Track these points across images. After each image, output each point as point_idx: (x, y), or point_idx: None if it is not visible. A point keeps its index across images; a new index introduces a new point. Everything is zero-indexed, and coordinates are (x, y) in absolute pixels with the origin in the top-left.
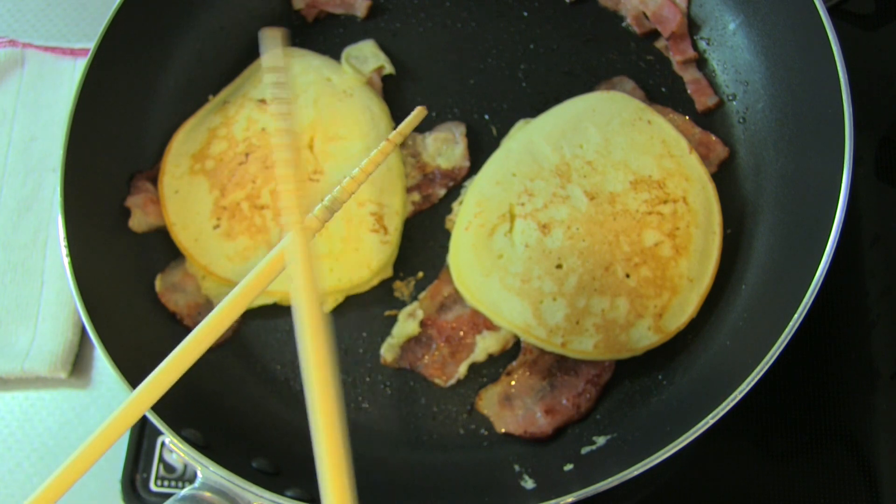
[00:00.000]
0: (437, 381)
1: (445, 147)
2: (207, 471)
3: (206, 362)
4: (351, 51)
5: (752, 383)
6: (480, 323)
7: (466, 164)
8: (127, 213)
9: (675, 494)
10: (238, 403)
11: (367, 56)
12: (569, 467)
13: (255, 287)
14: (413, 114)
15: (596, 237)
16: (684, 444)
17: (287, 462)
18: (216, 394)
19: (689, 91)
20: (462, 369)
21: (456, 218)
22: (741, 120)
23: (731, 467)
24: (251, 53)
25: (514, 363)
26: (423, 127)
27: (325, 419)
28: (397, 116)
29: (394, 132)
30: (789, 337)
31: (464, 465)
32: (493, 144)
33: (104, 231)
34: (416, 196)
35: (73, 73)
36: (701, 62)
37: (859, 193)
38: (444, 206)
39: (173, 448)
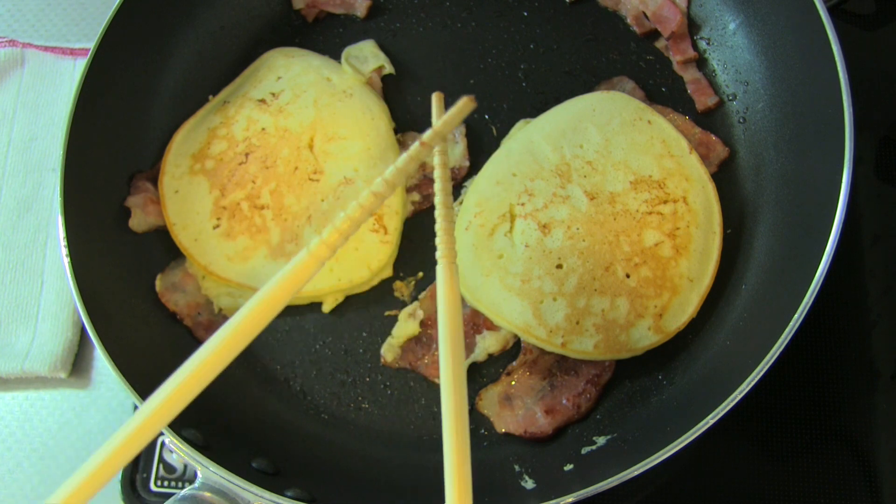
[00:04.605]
0: (437, 381)
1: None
2: (207, 471)
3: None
4: (351, 51)
5: (752, 383)
6: (480, 323)
7: (466, 164)
8: (127, 213)
9: (675, 494)
10: (238, 403)
11: (367, 56)
12: (569, 467)
13: (274, 301)
14: (458, 105)
15: (596, 237)
16: (684, 444)
17: (287, 462)
18: (216, 394)
19: (689, 91)
20: None
21: (456, 218)
22: (741, 120)
23: (731, 467)
24: (251, 53)
25: (514, 363)
26: (423, 127)
27: (457, 429)
28: (397, 116)
29: (428, 132)
30: (789, 337)
31: None
32: (493, 144)
33: (104, 231)
34: (416, 196)
35: (73, 73)
36: (701, 62)
37: (859, 193)
38: None
39: (173, 448)
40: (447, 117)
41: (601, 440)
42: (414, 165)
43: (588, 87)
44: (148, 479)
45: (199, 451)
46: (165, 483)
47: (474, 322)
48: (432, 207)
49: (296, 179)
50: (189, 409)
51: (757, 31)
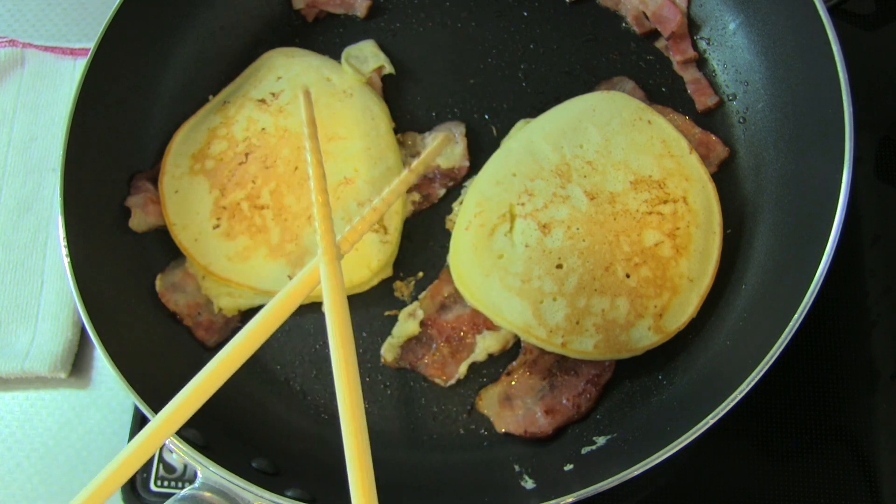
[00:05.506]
0: (437, 381)
1: (445, 147)
2: (207, 471)
3: (206, 363)
4: (351, 51)
5: (752, 383)
6: (480, 323)
7: (466, 163)
8: (127, 213)
9: (675, 494)
10: (238, 403)
11: (367, 56)
12: (569, 467)
13: (282, 310)
14: (437, 141)
15: (596, 237)
16: (684, 444)
17: (287, 462)
18: (216, 394)
19: (689, 91)
20: (462, 369)
21: (456, 218)
22: (741, 120)
23: (731, 467)
24: (251, 53)
25: (514, 363)
26: (423, 127)
27: (354, 427)
28: (397, 116)
29: (416, 161)
30: (789, 337)
31: (464, 465)
32: (493, 144)
33: (104, 231)
34: (416, 196)
35: (73, 73)
36: (701, 62)
37: (859, 193)
38: (444, 206)
39: (173, 448)
40: (430, 150)
41: (601, 440)
42: (405, 186)
43: (588, 87)
44: (148, 479)
45: (199, 451)
46: (165, 483)
47: (474, 322)
48: (432, 207)
49: (296, 179)
50: None
51: (757, 31)
